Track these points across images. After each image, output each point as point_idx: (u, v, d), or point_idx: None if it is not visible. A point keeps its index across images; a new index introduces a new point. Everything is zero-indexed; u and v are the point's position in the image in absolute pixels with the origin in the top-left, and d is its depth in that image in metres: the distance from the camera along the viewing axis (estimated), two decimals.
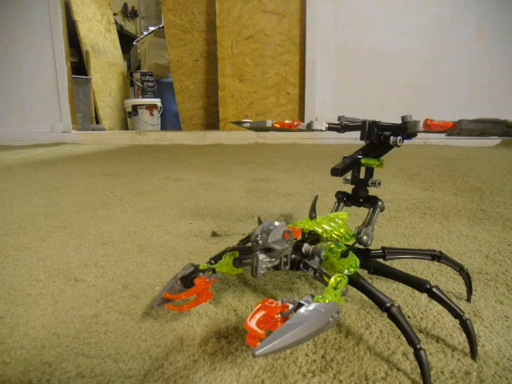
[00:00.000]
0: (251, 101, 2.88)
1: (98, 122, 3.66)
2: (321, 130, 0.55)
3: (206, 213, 0.99)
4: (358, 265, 0.44)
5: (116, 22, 4.15)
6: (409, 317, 0.48)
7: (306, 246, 0.42)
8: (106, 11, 3.93)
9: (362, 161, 0.52)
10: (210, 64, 3.01)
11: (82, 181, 1.46)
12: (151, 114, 3.72)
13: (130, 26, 4.81)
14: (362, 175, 0.55)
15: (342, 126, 0.55)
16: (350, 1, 2.64)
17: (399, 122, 0.50)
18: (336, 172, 0.48)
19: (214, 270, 0.47)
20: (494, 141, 2.39)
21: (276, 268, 0.40)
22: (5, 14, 3.10)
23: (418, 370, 0.38)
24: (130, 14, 4.89)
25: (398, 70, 2.62)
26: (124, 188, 1.31)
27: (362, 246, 0.49)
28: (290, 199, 1.10)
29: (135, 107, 3.70)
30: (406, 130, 0.48)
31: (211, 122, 3.11)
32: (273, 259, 0.38)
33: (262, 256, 0.38)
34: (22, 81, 3.18)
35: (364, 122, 0.52)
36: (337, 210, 0.54)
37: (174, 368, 0.40)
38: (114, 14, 4.27)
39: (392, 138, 0.49)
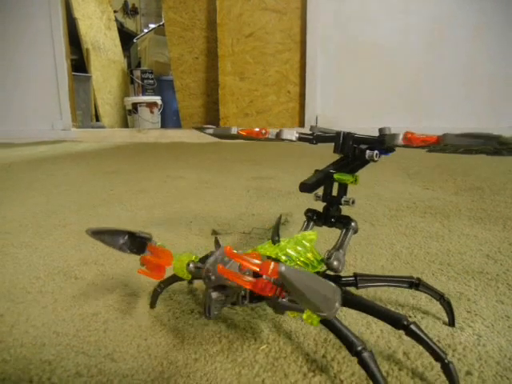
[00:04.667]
0: (251, 99, 2.88)
1: (97, 119, 3.65)
2: (291, 141, 0.51)
3: (206, 211, 0.98)
4: None
5: (116, 20, 4.14)
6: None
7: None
8: (106, 8, 3.92)
9: (335, 176, 0.47)
10: (210, 62, 3.01)
11: (82, 179, 1.46)
12: (151, 112, 3.71)
13: (130, 24, 4.80)
14: (337, 192, 0.50)
15: (314, 137, 0.51)
16: None
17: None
18: (305, 187, 0.44)
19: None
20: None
21: (234, 304, 0.37)
22: (5, 12, 3.09)
23: (419, 370, 0.38)
24: (130, 11, 4.87)
25: (398, 68, 2.62)
26: (124, 186, 1.30)
27: (332, 272, 0.44)
28: (291, 198, 1.10)
29: (135, 105, 3.69)
30: (383, 143, 0.44)
31: (211, 120, 3.10)
32: (229, 297, 0.35)
33: (215, 294, 0.34)
34: (22, 78, 3.17)
35: (338, 134, 0.48)
36: (306, 230, 0.49)
37: (174, 367, 0.39)
38: (115, 12, 4.25)
39: (368, 152, 0.45)
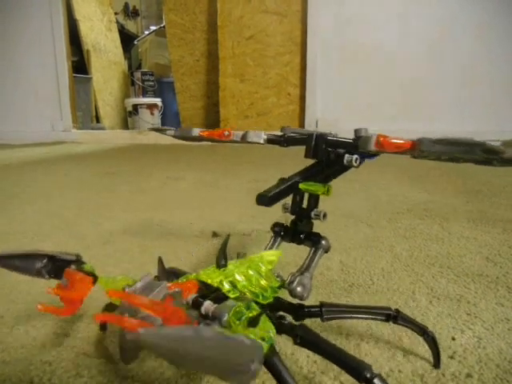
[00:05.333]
0: (252, 101, 2.88)
1: (98, 121, 3.65)
2: (258, 143, 0.46)
3: (206, 213, 0.99)
4: (274, 336, 0.31)
5: (117, 21, 4.14)
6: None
7: (206, 305, 0.30)
8: (107, 10, 3.93)
9: (301, 186, 0.41)
10: (210, 64, 3.01)
11: (83, 180, 1.46)
12: (152, 114, 3.72)
13: (131, 25, 4.80)
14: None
15: (284, 139, 0.46)
16: (351, 2, 2.64)
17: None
18: (262, 200, 0.38)
19: (94, 279, 0.35)
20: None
21: None
22: (6, 12, 3.09)
23: (419, 371, 0.38)
24: (131, 13, 4.88)
25: (399, 70, 2.62)
26: (124, 187, 1.30)
27: (296, 300, 0.38)
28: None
29: (136, 106, 3.69)
30: (357, 147, 0.38)
31: (212, 122, 3.10)
32: None
33: (130, 335, 0.28)
34: (22, 79, 3.17)
35: (310, 136, 0.42)
36: (272, 247, 0.43)
37: (174, 367, 0.39)
38: (115, 13, 4.26)
39: (347, 156, 0.39)
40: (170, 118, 3.90)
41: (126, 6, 4.85)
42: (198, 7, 2.95)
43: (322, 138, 0.42)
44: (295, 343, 0.33)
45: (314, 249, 0.42)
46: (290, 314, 0.38)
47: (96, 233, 0.84)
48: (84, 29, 3.51)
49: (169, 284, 0.31)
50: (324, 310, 0.38)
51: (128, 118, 3.84)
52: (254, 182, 1.33)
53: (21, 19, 3.10)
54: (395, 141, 0.35)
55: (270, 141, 0.47)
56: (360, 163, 0.40)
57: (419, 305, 0.51)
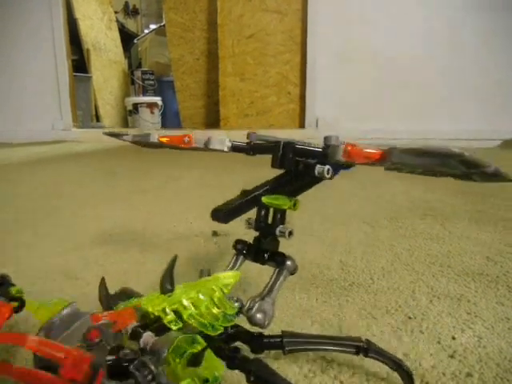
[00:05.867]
0: (252, 100, 2.88)
1: (98, 120, 3.65)
2: (221, 151, 0.43)
3: (206, 212, 0.98)
4: (219, 376, 0.27)
5: (117, 20, 4.14)
6: (409, 318, 0.48)
7: (145, 337, 0.27)
8: (107, 9, 3.92)
9: (263, 199, 0.38)
10: (211, 63, 3.01)
11: (83, 179, 1.46)
12: (152, 113, 3.71)
13: (131, 24, 4.80)
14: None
15: (250, 147, 0.43)
16: (351, 1, 2.64)
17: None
18: (217, 216, 0.36)
19: (21, 304, 0.32)
20: (494, 142, 2.39)
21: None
22: (6, 11, 3.09)
23: (420, 371, 0.38)
24: (131, 11, 4.87)
25: (399, 70, 2.62)
26: (124, 187, 1.30)
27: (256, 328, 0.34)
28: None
29: (136, 105, 3.69)
30: (327, 156, 0.35)
31: (212, 120, 3.10)
32: None
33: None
34: (22, 78, 3.17)
35: (277, 144, 0.39)
36: (234, 267, 0.40)
37: None
38: (115, 12, 4.25)
39: (318, 167, 0.35)
40: (170, 117, 3.90)
41: (126, 4, 4.84)
42: (198, 6, 2.95)
43: (289, 146, 0.38)
44: (248, 381, 0.30)
45: (278, 270, 0.38)
46: (247, 344, 0.34)
47: (96, 231, 0.84)
48: (84, 28, 3.50)
49: (104, 313, 0.29)
50: (285, 341, 0.34)
51: (128, 117, 3.84)
52: (255, 181, 1.33)
53: (21, 18, 3.10)
54: (367, 150, 0.32)
55: (235, 148, 0.44)
56: (335, 174, 0.36)
57: (419, 304, 0.51)
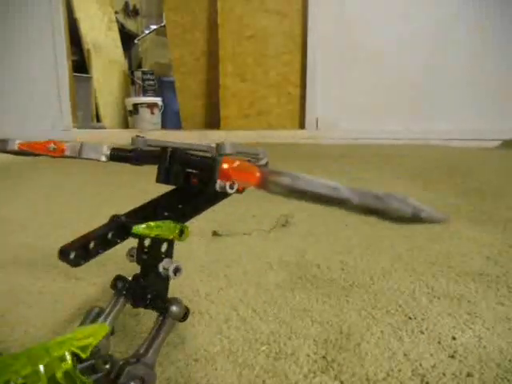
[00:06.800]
0: (252, 100, 2.88)
1: (98, 120, 3.65)
2: (97, 160, 0.34)
3: (206, 212, 0.98)
4: None
5: (117, 21, 4.14)
6: (410, 318, 0.48)
7: None
8: (107, 9, 3.93)
9: (134, 229, 0.30)
10: (211, 63, 3.01)
11: (83, 179, 1.46)
12: (152, 113, 3.71)
13: (131, 25, 4.79)
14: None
15: (135, 155, 0.33)
16: (351, 1, 2.64)
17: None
18: (64, 256, 0.27)
19: None
20: (494, 142, 2.39)
21: None
22: (6, 12, 3.09)
23: (420, 371, 0.38)
24: (131, 12, 4.87)
25: (399, 70, 2.62)
26: (125, 187, 1.30)
27: None
28: (290, 200, 1.10)
29: (136, 106, 3.69)
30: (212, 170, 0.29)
31: (212, 121, 3.10)
32: None
33: None
34: (22, 78, 3.17)
35: (164, 150, 0.31)
36: (110, 313, 0.31)
37: (174, 367, 0.39)
38: (116, 13, 4.25)
39: (220, 181, 0.29)
40: (170, 118, 3.90)
41: (127, 4, 4.84)
42: (198, 6, 2.95)
43: (177, 154, 0.30)
44: None
45: (160, 318, 0.31)
46: None
47: None
48: (84, 28, 3.51)
49: None
50: None
51: (128, 117, 3.84)
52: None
53: (21, 18, 3.10)
54: (243, 171, 0.26)
55: (115, 157, 0.33)
56: (243, 189, 0.29)
57: (419, 304, 0.51)
